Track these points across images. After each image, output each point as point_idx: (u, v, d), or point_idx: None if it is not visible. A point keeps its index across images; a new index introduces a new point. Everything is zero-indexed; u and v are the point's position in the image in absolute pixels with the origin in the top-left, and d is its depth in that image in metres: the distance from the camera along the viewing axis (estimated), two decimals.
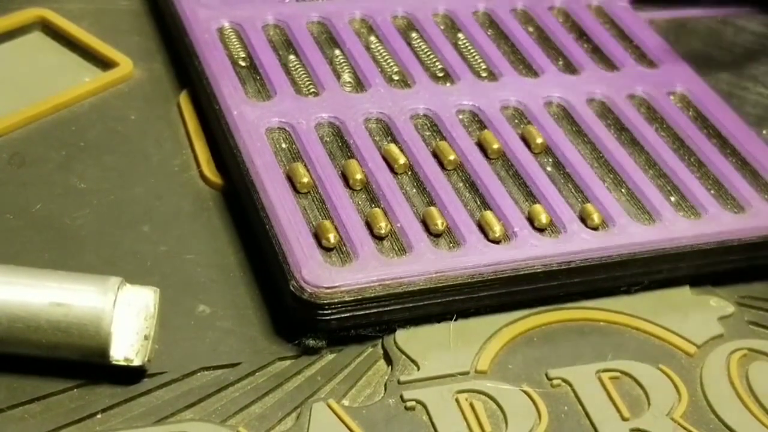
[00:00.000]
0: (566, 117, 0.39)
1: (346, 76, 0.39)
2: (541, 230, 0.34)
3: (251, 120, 0.36)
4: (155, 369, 0.30)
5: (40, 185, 0.35)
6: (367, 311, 0.32)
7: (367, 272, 0.32)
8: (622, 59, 0.42)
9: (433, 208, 0.34)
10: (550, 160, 0.37)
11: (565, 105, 0.39)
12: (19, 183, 0.35)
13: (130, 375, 0.29)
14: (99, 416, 0.29)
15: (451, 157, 0.36)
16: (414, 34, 0.42)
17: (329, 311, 0.31)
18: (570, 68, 0.42)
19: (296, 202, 0.34)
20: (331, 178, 0.35)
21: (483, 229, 0.34)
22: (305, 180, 0.34)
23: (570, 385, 0.32)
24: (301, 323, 0.32)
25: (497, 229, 0.34)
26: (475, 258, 0.33)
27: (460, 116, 0.38)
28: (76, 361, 0.29)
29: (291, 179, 0.35)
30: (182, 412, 0.29)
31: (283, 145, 0.36)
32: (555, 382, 0.31)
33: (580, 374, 0.32)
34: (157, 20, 0.43)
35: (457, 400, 0.31)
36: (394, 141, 0.37)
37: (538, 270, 0.33)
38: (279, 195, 0.34)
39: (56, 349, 0.29)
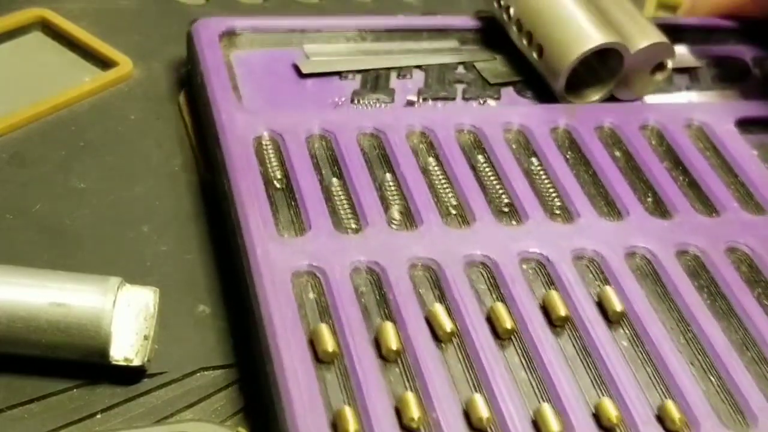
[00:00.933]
0: (651, 274, 0.33)
1: (395, 211, 0.34)
2: (607, 431, 0.28)
3: (277, 261, 0.31)
4: (155, 369, 0.30)
5: (40, 185, 0.35)
6: None
7: None
8: (723, 200, 0.36)
9: (478, 396, 0.29)
10: (627, 332, 0.32)
11: (650, 258, 0.34)
12: (19, 183, 0.35)
13: (129, 375, 0.30)
14: (99, 416, 0.29)
15: (508, 326, 0.31)
16: (480, 156, 0.37)
17: None
18: (660, 209, 0.36)
19: (316, 377, 0.28)
20: (361, 346, 0.30)
21: (537, 426, 0.28)
22: (330, 349, 0.29)
23: None
24: None
25: (555, 430, 0.28)
26: None
27: (524, 266, 0.33)
28: (75, 361, 0.29)
29: (314, 344, 0.29)
30: (182, 411, 0.29)
31: (311, 296, 0.31)
32: None
33: None
34: (158, 21, 0.43)
35: None
36: (443, 296, 0.31)
37: None
38: (296, 366, 0.29)
39: (56, 349, 0.29)
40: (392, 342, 0.30)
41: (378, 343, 0.30)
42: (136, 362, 0.29)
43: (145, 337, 0.30)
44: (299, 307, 0.30)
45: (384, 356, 0.30)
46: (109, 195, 0.35)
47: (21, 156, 0.36)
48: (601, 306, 0.32)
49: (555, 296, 0.32)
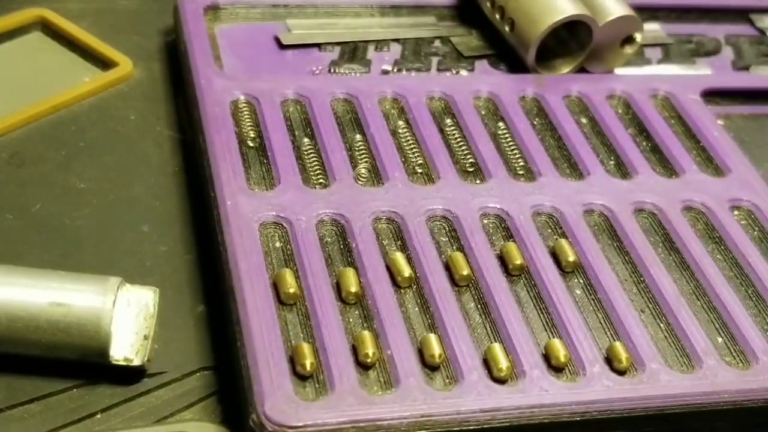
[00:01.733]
0: (607, 229, 0.35)
1: (362, 167, 0.35)
2: (556, 370, 0.30)
3: (246, 213, 0.33)
4: (155, 369, 0.30)
5: (39, 185, 0.35)
6: None
7: (341, 410, 0.28)
8: (684, 163, 0.38)
9: (432, 336, 0.30)
10: (581, 281, 0.33)
11: (608, 215, 0.35)
12: (19, 183, 0.35)
13: (129, 375, 0.30)
14: (99, 416, 0.29)
15: (464, 272, 0.32)
16: (449, 120, 0.38)
17: None
18: (622, 171, 0.37)
19: (277, 317, 0.30)
20: (321, 289, 0.31)
21: (488, 364, 0.30)
22: (291, 291, 0.31)
23: None
24: None
25: (504, 367, 0.30)
26: (472, 401, 0.29)
27: (485, 221, 0.34)
28: (75, 361, 0.29)
29: (277, 287, 0.31)
30: (182, 411, 0.29)
31: (277, 245, 0.33)
32: None
33: None
34: (158, 22, 0.43)
35: None
36: (404, 247, 0.33)
37: (545, 421, 0.29)
38: (258, 306, 0.30)
39: (56, 349, 0.29)
40: (352, 285, 0.31)
41: (339, 288, 0.32)
42: (136, 362, 0.29)
43: (145, 337, 0.29)
44: (265, 255, 0.32)
45: (343, 299, 0.31)
46: (109, 195, 0.35)
47: (21, 156, 0.36)
48: (556, 257, 0.33)
49: (512, 247, 0.33)
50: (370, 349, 0.30)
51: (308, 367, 0.29)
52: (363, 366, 0.29)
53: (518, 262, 0.33)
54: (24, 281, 0.29)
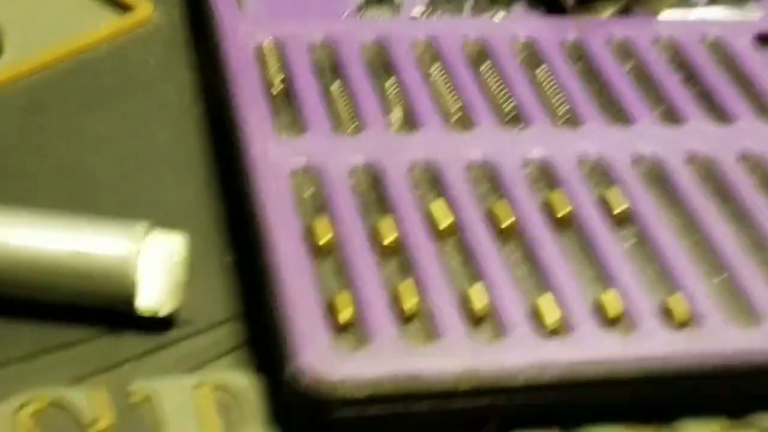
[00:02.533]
0: (658, 179, 0.34)
1: (396, 114, 0.34)
2: (610, 323, 0.29)
3: (274, 160, 0.32)
4: (184, 318, 0.29)
5: (58, 132, 0.35)
6: (382, 411, 0.27)
7: (382, 362, 0.27)
8: (737, 109, 0.36)
9: (477, 286, 0.29)
10: (632, 233, 0.32)
11: (658, 163, 0.34)
12: (36, 129, 0.35)
13: (158, 324, 0.29)
14: (127, 366, 0.29)
15: (508, 222, 0.31)
16: (485, 65, 0.37)
17: (332, 409, 0.26)
18: (671, 117, 0.36)
19: (311, 267, 0.29)
20: (356, 239, 0.30)
21: (536, 317, 0.29)
22: (325, 240, 0.30)
23: None
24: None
25: (554, 319, 0.29)
26: (521, 354, 0.28)
27: (527, 169, 0.33)
28: (101, 310, 0.29)
29: (310, 237, 0.30)
30: (213, 362, 0.29)
31: (308, 193, 0.32)
32: None
33: None
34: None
35: None
36: (442, 196, 0.32)
37: (599, 377, 0.28)
38: (291, 257, 0.29)
39: (80, 297, 0.28)
40: (388, 235, 0.30)
41: (374, 238, 0.30)
42: (164, 312, 0.29)
43: (174, 286, 0.29)
44: (296, 204, 0.31)
45: (380, 250, 0.30)
46: (130, 142, 0.35)
47: (38, 102, 0.36)
48: (605, 206, 0.32)
49: (557, 196, 0.32)
50: (410, 300, 0.29)
51: (346, 318, 0.28)
52: (402, 318, 0.28)
53: (564, 211, 0.32)
54: (47, 226, 0.29)
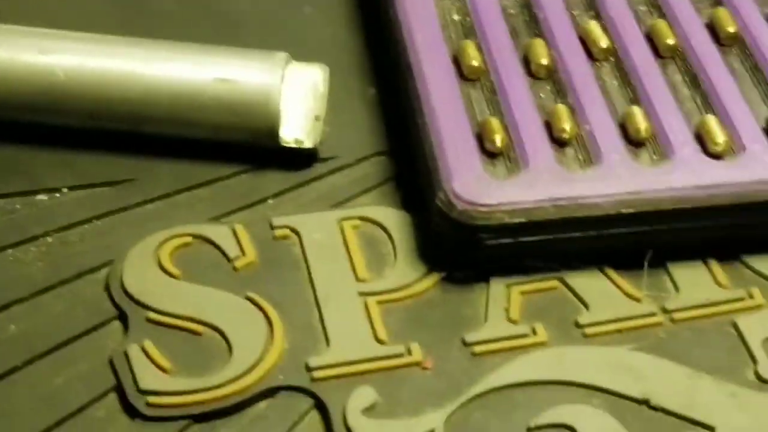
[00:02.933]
0: None
1: None
2: None
3: None
4: (327, 153, 0.29)
5: None
6: (536, 238, 0.26)
7: (538, 188, 0.26)
8: None
9: (636, 108, 0.28)
10: None
11: None
12: None
13: (300, 159, 0.29)
14: (270, 201, 0.28)
15: (670, 42, 0.29)
16: None
17: (485, 236, 0.25)
18: None
19: (460, 92, 0.28)
20: (508, 62, 0.29)
21: (701, 138, 0.27)
22: (475, 64, 0.29)
23: None
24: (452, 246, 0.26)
25: (721, 140, 0.27)
26: (687, 177, 0.26)
27: None
28: (242, 144, 0.28)
29: (458, 62, 0.29)
30: (358, 197, 0.28)
31: (455, 17, 0.30)
32: None
33: None
34: None
35: None
36: (597, 16, 0.30)
37: None
38: (439, 81, 0.28)
39: (222, 129, 0.28)
40: (542, 57, 0.29)
41: (527, 61, 0.29)
42: (308, 144, 0.28)
43: (316, 118, 0.28)
44: (443, 28, 0.30)
45: (533, 73, 0.29)
46: None
47: None
48: None
49: (723, 13, 0.30)
50: (566, 124, 0.27)
51: (499, 143, 0.27)
52: (559, 142, 0.27)
53: (732, 29, 0.30)
54: (185, 56, 0.28)
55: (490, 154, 0.27)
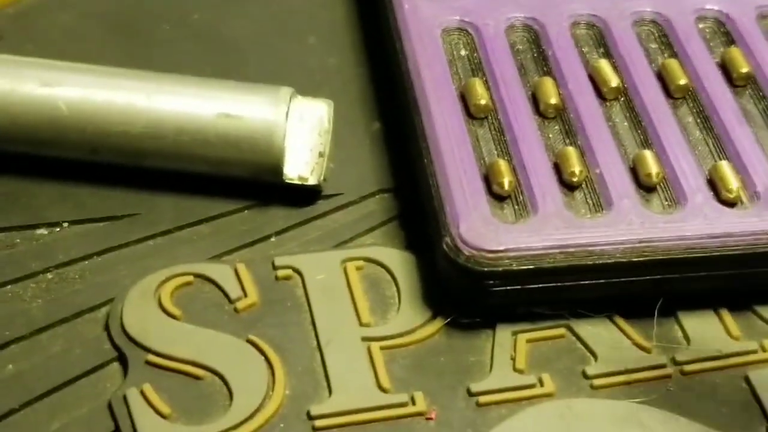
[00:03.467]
0: None
1: None
2: None
3: (426, 17, 0.30)
4: (331, 190, 0.29)
5: None
6: (544, 285, 0.25)
7: (546, 233, 0.25)
8: None
9: (647, 152, 0.27)
10: None
11: None
12: None
13: (304, 196, 0.28)
14: (273, 239, 0.28)
15: (682, 82, 0.29)
16: None
17: (491, 282, 0.25)
18: None
19: (467, 131, 0.28)
20: (516, 100, 0.28)
21: (714, 184, 0.27)
22: (483, 102, 0.28)
23: None
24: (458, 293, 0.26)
25: (734, 187, 0.27)
26: (699, 225, 0.26)
27: (701, 25, 0.31)
28: (245, 180, 0.28)
29: (465, 99, 0.28)
30: (362, 236, 0.28)
31: (462, 53, 0.30)
32: None
33: None
34: None
35: None
36: (608, 55, 0.30)
37: None
38: (446, 120, 0.28)
39: (225, 165, 0.27)
40: (551, 96, 0.29)
41: (535, 99, 0.29)
42: (312, 181, 0.28)
43: (320, 154, 0.28)
44: (450, 64, 0.29)
45: (542, 112, 0.29)
46: (272, 4, 0.34)
47: None
48: None
49: (736, 53, 0.30)
50: (576, 167, 0.27)
51: (507, 186, 0.26)
52: (568, 186, 0.27)
53: (744, 70, 0.29)
54: (189, 91, 0.28)
55: (498, 196, 0.26)
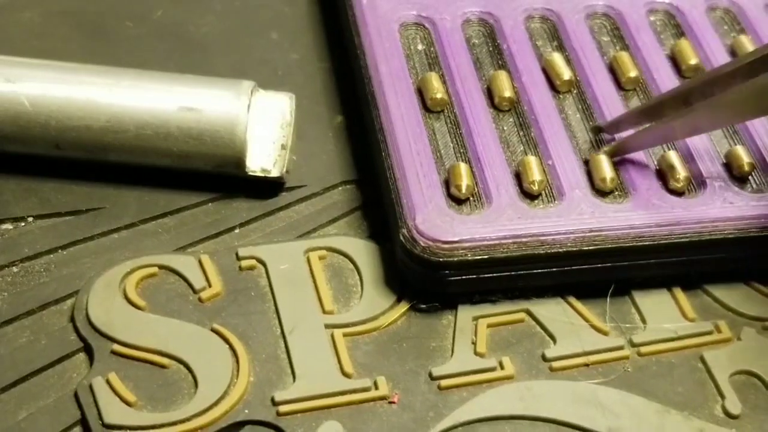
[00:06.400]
0: None
1: None
2: (740, 180, 0.28)
3: (384, 12, 0.31)
4: (294, 182, 0.29)
5: None
6: (499, 274, 0.27)
7: (500, 224, 0.27)
8: None
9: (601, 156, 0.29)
10: None
11: None
12: None
13: (267, 188, 0.29)
14: (237, 230, 0.29)
15: (632, 74, 0.30)
16: None
17: (446, 272, 0.26)
18: None
19: (424, 124, 0.29)
20: (472, 94, 0.30)
21: (663, 174, 0.28)
22: (439, 96, 0.29)
23: None
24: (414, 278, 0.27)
25: (681, 176, 0.28)
26: (646, 214, 0.27)
27: (652, 17, 0.32)
28: (209, 173, 0.28)
29: (422, 93, 0.30)
30: (325, 227, 0.29)
31: (420, 47, 0.31)
32: None
33: None
34: None
35: None
36: (561, 48, 0.31)
37: (730, 236, 0.27)
38: (403, 114, 0.29)
39: (188, 158, 0.28)
40: (506, 89, 0.30)
41: (490, 92, 0.30)
42: (274, 173, 0.28)
43: (283, 147, 0.28)
44: (407, 58, 0.31)
45: (496, 105, 0.30)
46: (234, 1, 0.35)
47: None
48: (735, 55, 0.31)
49: (685, 45, 0.31)
50: (536, 176, 0.28)
51: (464, 190, 0.27)
52: (528, 194, 0.28)
53: (692, 61, 0.31)
54: (151, 85, 0.28)
55: (454, 187, 0.28)
